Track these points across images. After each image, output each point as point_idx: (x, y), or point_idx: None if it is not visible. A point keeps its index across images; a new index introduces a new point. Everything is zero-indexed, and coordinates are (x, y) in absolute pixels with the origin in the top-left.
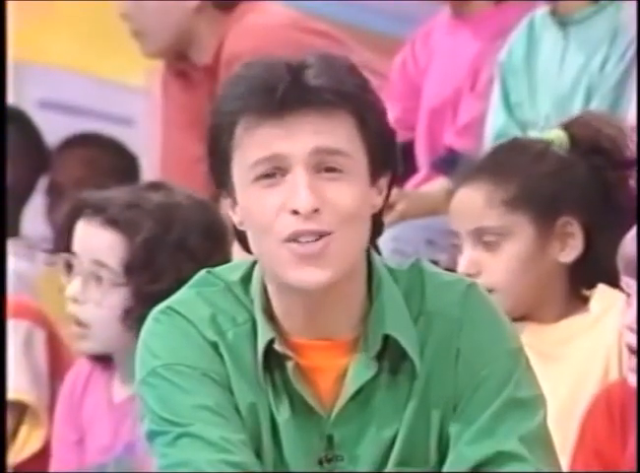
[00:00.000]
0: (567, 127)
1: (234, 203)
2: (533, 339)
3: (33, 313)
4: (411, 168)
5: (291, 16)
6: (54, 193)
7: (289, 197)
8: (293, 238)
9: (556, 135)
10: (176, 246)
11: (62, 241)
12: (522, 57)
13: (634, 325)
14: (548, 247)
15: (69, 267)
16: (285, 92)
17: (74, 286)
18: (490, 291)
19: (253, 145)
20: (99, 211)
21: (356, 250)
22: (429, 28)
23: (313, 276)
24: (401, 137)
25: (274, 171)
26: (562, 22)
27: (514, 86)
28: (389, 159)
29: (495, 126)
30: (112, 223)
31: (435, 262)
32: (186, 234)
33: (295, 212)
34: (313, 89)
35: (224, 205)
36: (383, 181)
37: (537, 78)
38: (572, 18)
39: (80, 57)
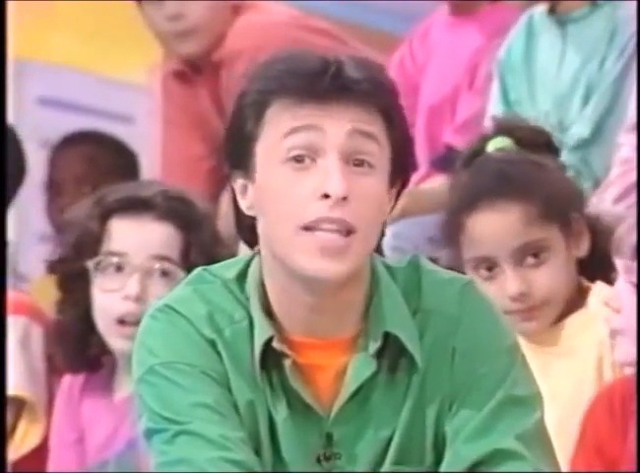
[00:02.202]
0: (507, 133)
1: (247, 185)
2: (537, 339)
3: (31, 309)
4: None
5: (292, 14)
6: (54, 191)
7: (321, 182)
8: (316, 225)
9: (505, 143)
10: (221, 241)
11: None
12: (521, 55)
13: (612, 303)
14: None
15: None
16: (331, 79)
17: (133, 284)
18: (544, 304)
19: (290, 118)
20: (150, 206)
21: (370, 249)
22: (427, 25)
23: (333, 268)
24: None
25: (304, 153)
26: (560, 20)
27: (513, 84)
28: (405, 167)
29: None
30: (168, 217)
31: (435, 260)
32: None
33: (326, 196)
34: (355, 80)
35: (233, 189)
36: (394, 191)
37: (536, 76)
38: (570, 16)
39: (80, 54)
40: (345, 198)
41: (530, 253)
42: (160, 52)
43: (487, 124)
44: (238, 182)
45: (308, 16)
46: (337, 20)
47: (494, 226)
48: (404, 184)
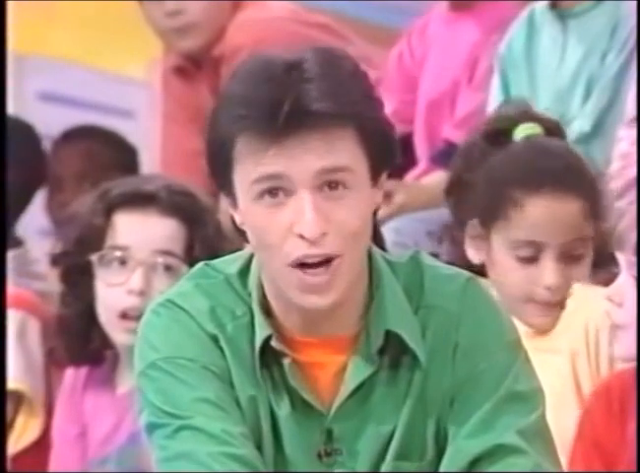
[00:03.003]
0: (533, 120)
1: (235, 204)
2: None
3: (29, 304)
4: (409, 161)
5: (291, 9)
6: (54, 186)
7: (296, 220)
8: (301, 262)
9: (536, 130)
10: (225, 235)
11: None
12: (522, 50)
13: (615, 298)
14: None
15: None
16: (287, 117)
17: (137, 279)
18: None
19: (254, 163)
20: (154, 201)
21: (360, 267)
22: (426, 20)
23: (320, 302)
24: (399, 130)
25: (277, 190)
26: (562, 15)
27: (514, 79)
28: (389, 156)
29: None
30: (171, 211)
31: (436, 255)
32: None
33: (302, 237)
34: (316, 113)
35: (226, 202)
36: (383, 177)
37: (537, 71)
38: (571, 11)
39: (80, 49)
40: (323, 234)
41: (575, 250)
42: (160, 47)
43: (511, 107)
44: (228, 199)
45: (308, 11)
46: (336, 15)
47: (555, 214)
48: (392, 166)
